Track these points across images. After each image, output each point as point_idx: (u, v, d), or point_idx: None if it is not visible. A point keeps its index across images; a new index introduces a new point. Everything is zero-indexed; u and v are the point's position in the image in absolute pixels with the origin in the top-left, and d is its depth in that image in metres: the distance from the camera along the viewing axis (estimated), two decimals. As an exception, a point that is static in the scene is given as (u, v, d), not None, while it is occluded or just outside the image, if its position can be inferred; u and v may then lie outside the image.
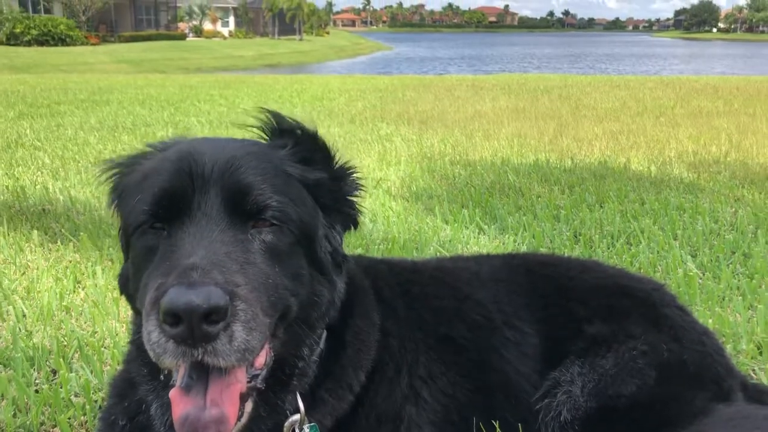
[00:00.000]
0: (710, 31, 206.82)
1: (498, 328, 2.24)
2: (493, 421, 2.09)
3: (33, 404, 2.55)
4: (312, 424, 1.79)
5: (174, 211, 1.60)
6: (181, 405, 1.50)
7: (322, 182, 1.81)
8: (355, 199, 1.94)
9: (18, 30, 55.28)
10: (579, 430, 2.04)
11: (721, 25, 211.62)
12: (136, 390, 1.84)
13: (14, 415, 2.51)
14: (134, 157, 1.87)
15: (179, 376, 1.55)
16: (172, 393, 1.53)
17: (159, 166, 1.71)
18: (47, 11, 62.92)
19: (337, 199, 1.87)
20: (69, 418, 2.44)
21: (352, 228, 1.96)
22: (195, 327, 1.36)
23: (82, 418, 2.49)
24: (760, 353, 2.94)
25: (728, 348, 2.98)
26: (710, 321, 3.13)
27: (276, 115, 1.90)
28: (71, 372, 2.83)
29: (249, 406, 1.62)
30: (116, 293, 3.73)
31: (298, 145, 1.82)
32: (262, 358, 1.63)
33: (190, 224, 1.57)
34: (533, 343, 2.27)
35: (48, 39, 56.13)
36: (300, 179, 1.75)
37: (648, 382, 2.15)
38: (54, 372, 2.88)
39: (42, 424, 2.47)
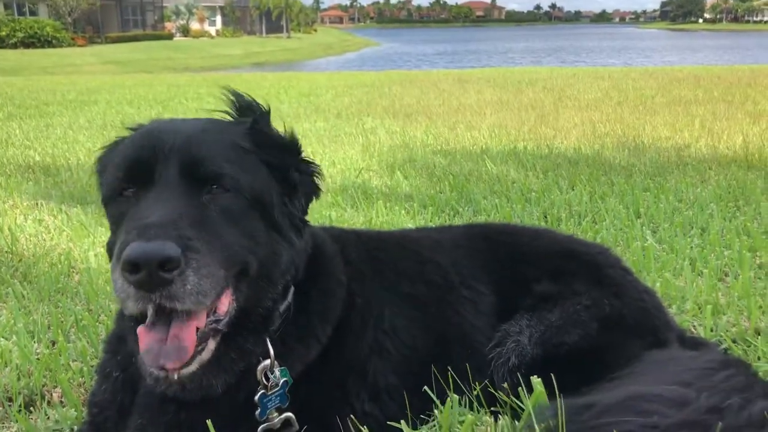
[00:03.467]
0: (696, 21, 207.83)
1: (455, 287, 2.50)
2: (449, 369, 2.34)
3: (35, 369, 2.78)
4: (282, 368, 2.03)
5: (140, 179, 1.85)
6: (145, 339, 1.76)
7: (273, 157, 2.02)
8: (310, 175, 2.14)
9: (3, 33, 55.19)
10: (525, 373, 2.28)
11: (707, 15, 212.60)
12: (126, 344, 2.08)
13: (18, 379, 2.74)
14: (117, 139, 2.11)
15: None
16: (139, 330, 1.78)
17: (129, 143, 1.97)
18: (33, 13, 62.81)
19: (290, 173, 2.07)
20: (69, 379, 2.68)
21: (314, 198, 2.19)
22: (153, 274, 1.60)
23: (80, 379, 2.73)
24: (701, 311, 3.21)
25: (674, 308, 3.24)
26: (658, 285, 3.39)
27: (235, 94, 2.15)
28: (69, 342, 3.07)
29: (212, 344, 1.86)
30: (109, 275, 3.96)
31: (255, 123, 2.06)
32: (225, 306, 1.86)
33: (152, 190, 1.81)
34: (488, 302, 2.53)
35: (34, 41, 56.08)
36: (254, 152, 1.98)
37: (589, 332, 2.40)
38: (53, 343, 3.11)
39: (44, 385, 2.71)
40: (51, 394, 2.66)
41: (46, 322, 3.33)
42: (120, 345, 2.14)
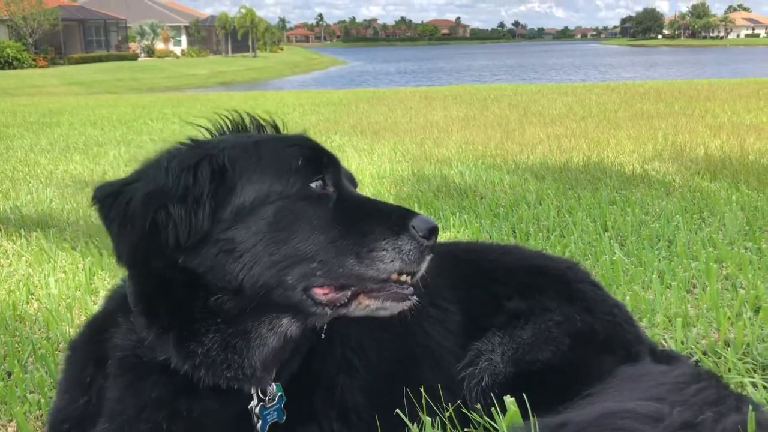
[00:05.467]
0: (655, 37, 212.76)
1: (422, 306, 2.45)
2: (421, 390, 2.29)
3: (-11, 403, 2.66)
4: (277, 383, 2.00)
5: (337, 177, 1.94)
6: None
7: None
8: None
9: (-37, 55, 54.19)
10: (498, 393, 2.25)
11: (665, 31, 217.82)
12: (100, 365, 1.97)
13: (-30, 414, 2.62)
14: (196, 143, 1.97)
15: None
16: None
17: (285, 144, 1.95)
18: (-8, 35, 61.78)
19: None
20: (25, 412, 2.56)
21: None
22: (436, 241, 1.89)
23: (37, 412, 2.62)
24: (671, 324, 3.22)
25: (644, 321, 3.24)
26: (627, 299, 3.40)
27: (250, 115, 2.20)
28: (26, 373, 2.95)
29: None
30: (70, 301, 3.85)
31: None
32: None
33: (350, 187, 2.00)
34: (456, 320, 2.49)
35: (-6, 63, 55.15)
36: None
37: (561, 348, 2.38)
38: (9, 374, 2.99)
39: (-2, 419, 2.60)
40: (6, 429, 2.54)
41: (2, 352, 3.21)
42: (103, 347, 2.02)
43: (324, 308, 1.84)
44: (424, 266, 1.89)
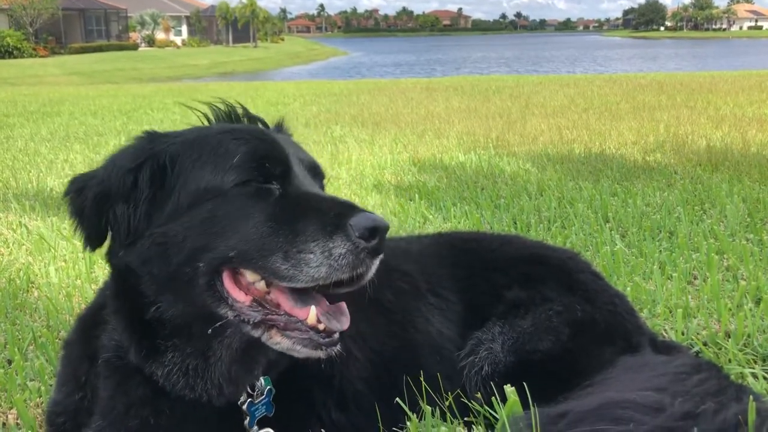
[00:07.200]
0: (658, 29, 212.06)
1: (422, 294, 2.45)
2: (421, 379, 2.29)
3: (-11, 390, 2.66)
4: (265, 376, 1.99)
5: (283, 170, 1.86)
6: (319, 308, 1.81)
7: None
8: None
9: (-37, 44, 54.02)
10: (498, 382, 2.25)
11: (668, 23, 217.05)
12: (93, 362, 2.00)
13: (-30, 401, 2.62)
14: (149, 138, 1.96)
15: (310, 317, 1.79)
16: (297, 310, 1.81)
17: (231, 137, 1.89)
18: (-7, 24, 61.59)
19: None
20: (25, 400, 2.56)
21: None
22: (382, 242, 1.70)
23: (37, 399, 2.62)
24: (672, 315, 3.21)
25: (645, 312, 3.24)
26: (628, 289, 3.40)
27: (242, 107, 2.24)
28: (26, 361, 2.95)
29: None
30: (70, 290, 3.85)
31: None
32: None
33: (302, 182, 1.88)
34: (456, 310, 2.50)
35: (-5, 52, 55.02)
36: None
37: (561, 338, 2.38)
38: (9, 362, 2.99)
39: (-1, 406, 2.60)
40: (6, 416, 2.55)
41: (3, 340, 3.21)
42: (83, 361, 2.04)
43: (228, 311, 1.79)
44: (367, 271, 1.72)
